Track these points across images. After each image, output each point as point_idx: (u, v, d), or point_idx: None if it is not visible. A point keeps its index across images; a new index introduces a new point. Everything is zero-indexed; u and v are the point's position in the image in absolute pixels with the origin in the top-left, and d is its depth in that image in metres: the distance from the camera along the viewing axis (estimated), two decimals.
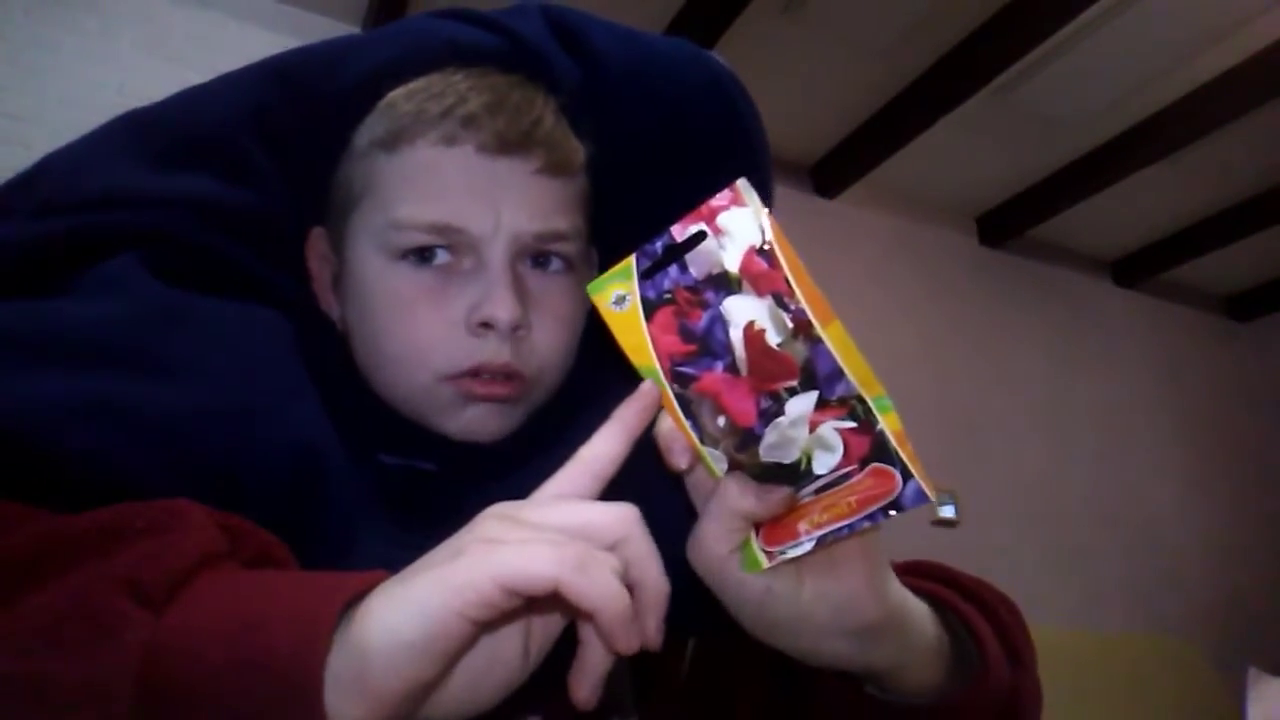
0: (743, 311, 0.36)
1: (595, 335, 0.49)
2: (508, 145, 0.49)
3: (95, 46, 2.32)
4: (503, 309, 0.47)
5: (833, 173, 3.20)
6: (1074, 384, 3.58)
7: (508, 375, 0.49)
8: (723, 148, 0.56)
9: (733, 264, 0.36)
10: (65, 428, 0.39)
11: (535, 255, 0.51)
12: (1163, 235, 3.68)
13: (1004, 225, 3.53)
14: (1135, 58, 2.64)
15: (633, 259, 0.37)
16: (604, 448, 0.38)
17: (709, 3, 2.41)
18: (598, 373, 0.49)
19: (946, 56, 2.66)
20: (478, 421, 0.49)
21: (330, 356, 0.51)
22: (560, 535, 0.34)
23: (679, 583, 0.38)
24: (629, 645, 0.33)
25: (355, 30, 2.63)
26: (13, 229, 0.47)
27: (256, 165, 0.51)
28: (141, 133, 0.52)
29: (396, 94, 0.51)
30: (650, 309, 0.37)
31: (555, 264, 0.52)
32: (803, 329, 0.35)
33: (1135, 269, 3.85)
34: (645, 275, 0.37)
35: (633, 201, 0.55)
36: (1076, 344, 3.66)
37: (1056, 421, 3.48)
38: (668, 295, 0.37)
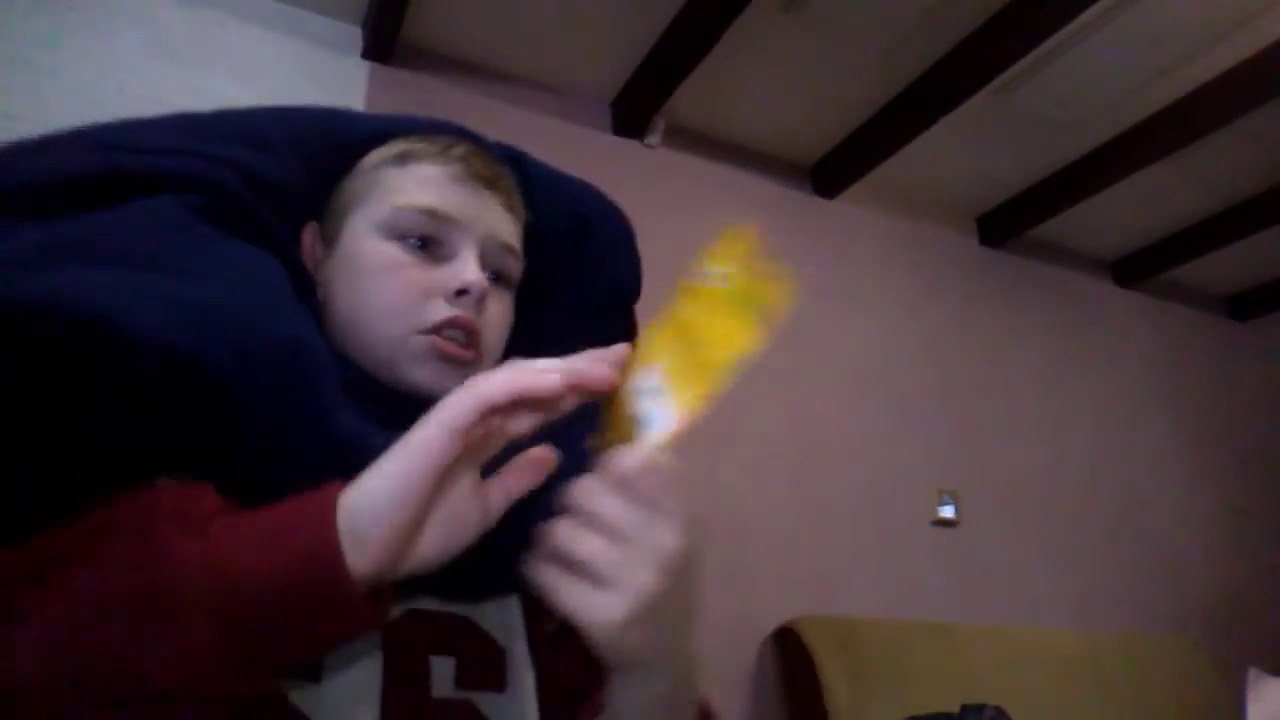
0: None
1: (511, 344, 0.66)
2: (486, 181, 0.65)
3: (95, 46, 2.32)
4: (475, 276, 0.61)
5: (833, 173, 3.20)
6: (1074, 384, 3.59)
7: (470, 333, 0.61)
8: (610, 237, 0.78)
9: None
10: (116, 305, 0.47)
11: (494, 268, 0.65)
12: (1163, 235, 3.68)
13: (1004, 225, 3.53)
14: (1135, 58, 2.64)
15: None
16: (539, 371, 0.46)
17: (709, 3, 2.41)
18: None
19: (946, 56, 2.66)
20: (436, 376, 0.60)
21: (315, 315, 0.61)
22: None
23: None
24: (601, 374, 0.46)
25: (355, 29, 2.64)
26: (67, 157, 0.56)
27: (284, 155, 0.64)
28: (196, 120, 0.64)
29: (400, 139, 0.68)
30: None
31: (502, 281, 0.67)
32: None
33: (1135, 269, 3.85)
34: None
35: (543, 266, 0.71)
36: (1077, 344, 3.67)
37: (1056, 421, 3.48)
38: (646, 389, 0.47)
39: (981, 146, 3.12)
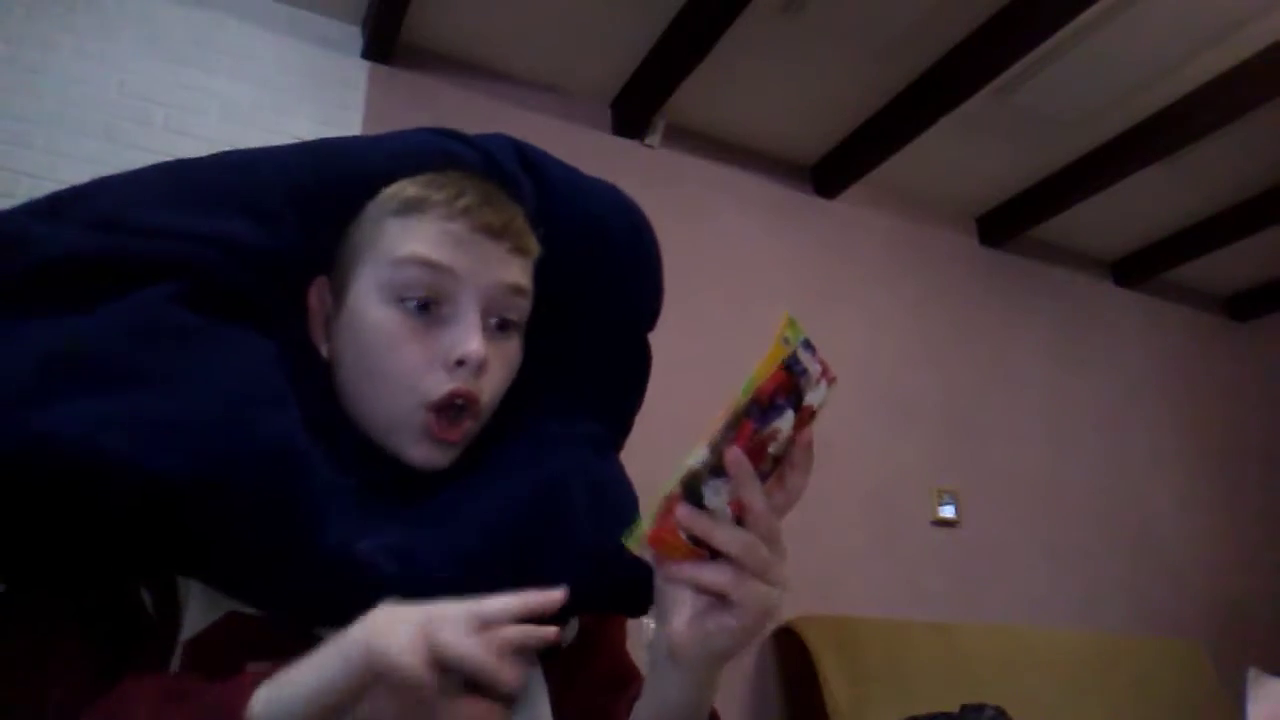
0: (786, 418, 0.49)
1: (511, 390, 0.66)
2: (492, 230, 0.64)
3: (95, 46, 2.32)
4: (474, 347, 0.61)
5: (833, 173, 3.20)
6: (1074, 384, 3.59)
7: (470, 401, 0.62)
8: (630, 258, 0.76)
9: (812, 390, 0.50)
10: (108, 441, 0.49)
11: (499, 318, 0.65)
12: (1163, 235, 3.69)
13: (1004, 225, 3.53)
14: (1135, 58, 2.64)
15: (801, 327, 0.48)
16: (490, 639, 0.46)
17: (709, 3, 2.41)
18: (508, 416, 0.66)
19: (946, 56, 2.66)
20: (430, 455, 0.62)
21: (315, 383, 0.63)
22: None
23: (583, 572, 0.57)
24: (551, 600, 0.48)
25: (354, 29, 2.64)
26: (72, 234, 0.57)
27: (281, 218, 0.63)
28: (190, 181, 0.64)
29: (406, 181, 0.66)
30: (788, 374, 0.47)
31: (509, 328, 0.66)
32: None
33: (1135, 269, 3.85)
34: (806, 345, 0.48)
35: (557, 283, 0.70)
36: (1077, 344, 3.67)
37: (1057, 421, 3.48)
38: (801, 369, 0.48)
39: (982, 146, 3.12)
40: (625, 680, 0.68)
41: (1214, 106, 2.76)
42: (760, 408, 0.47)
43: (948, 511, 3.08)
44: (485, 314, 0.64)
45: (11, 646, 0.53)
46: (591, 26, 2.63)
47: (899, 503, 3.00)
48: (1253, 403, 4.01)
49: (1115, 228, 3.63)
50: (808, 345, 0.47)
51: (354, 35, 2.64)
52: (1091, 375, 3.65)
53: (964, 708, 2.19)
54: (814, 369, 0.48)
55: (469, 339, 0.61)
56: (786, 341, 0.46)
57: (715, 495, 0.48)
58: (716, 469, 0.47)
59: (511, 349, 0.67)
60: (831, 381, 0.50)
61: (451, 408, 0.62)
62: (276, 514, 0.53)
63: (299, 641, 0.50)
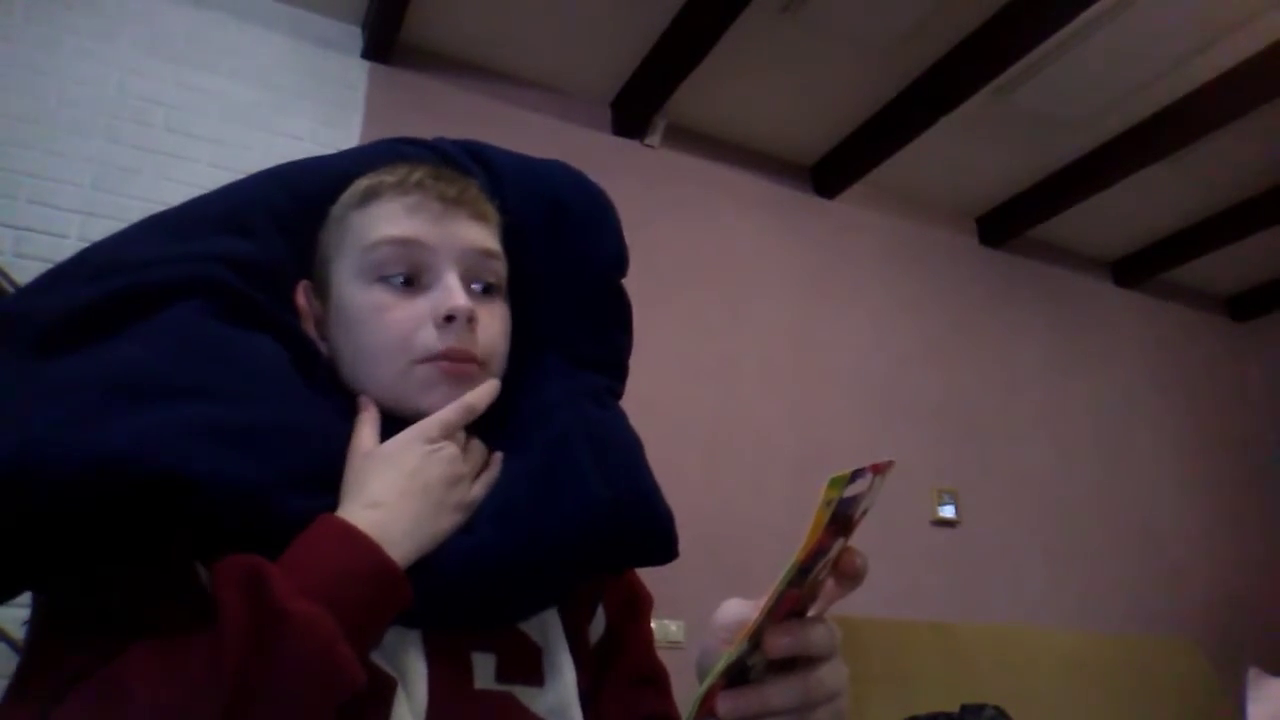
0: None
1: (514, 350, 0.69)
2: (447, 200, 0.66)
3: (95, 46, 2.32)
4: (460, 300, 0.62)
5: (833, 173, 3.20)
6: (1074, 384, 3.59)
7: (468, 358, 0.63)
8: (585, 213, 0.77)
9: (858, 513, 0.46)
10: (180, 448, 0.51)
11: (479, 282, 0.67)
12: (1163, 235, 3.69)
13: (1004, 225, 3.53)
14: (1135, 58, 2.64)
15: (848, 474, 0.43)
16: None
17: (709, 3, 2.41)
18: (518, 376, 0.69)
19: (946, 56, 2.66)
20: (446, 398, 0.62)
21: (320, 375, 0.65)
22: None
23: (599, 526, 0.59)
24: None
25: (354, 30, 2.64)
26: (74, 289, 0.58)
27: (268, 233, 0.67)
28: (172, 219, 0.66)
29: (360, 179, 0.69)
30: (833, 519, 0.44)
31: (491, 290, 0.68)
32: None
33: (1135, 269, 3.85)
34: (853, 477, 0.44)
35: (528, 260, 0.73)
36: (1076, 344, 3.67)
37: (1056, 421, 3.48)
38: (848, 505, 0.44)
39: (981, 147, 3.12)
40: (652, 678, 0.69)
41: (1213, 106, 2.76)
42: (804, 567, 0.44)
43: (948, 511, 3.08)
44: (464, 280, 0.65)
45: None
46: (591, 27, 2.63)
47: (899, 502, 3.00)
48: (1252, 402, 4.01)
49: (1115, 228, 3.63)
50: (856, 475, 0.43)
51: (354, 35, 2.64)
52: (1091, 375, 3.65)
53: (964, 708, 2.19)
54: (862, 488, 0.45)
55: (453, 295, 0.63)
56: (829, 504, 0.43)
57: (757, 660, 0.47)
58: (757, 646, 0.47)
59: (499, 310, 0.68)
60: (883, 470, 0.46)
61: (448, 359, 0.64)
62: (321, 483, 0.57)
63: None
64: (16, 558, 0.51)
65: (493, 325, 0.66)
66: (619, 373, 0.76)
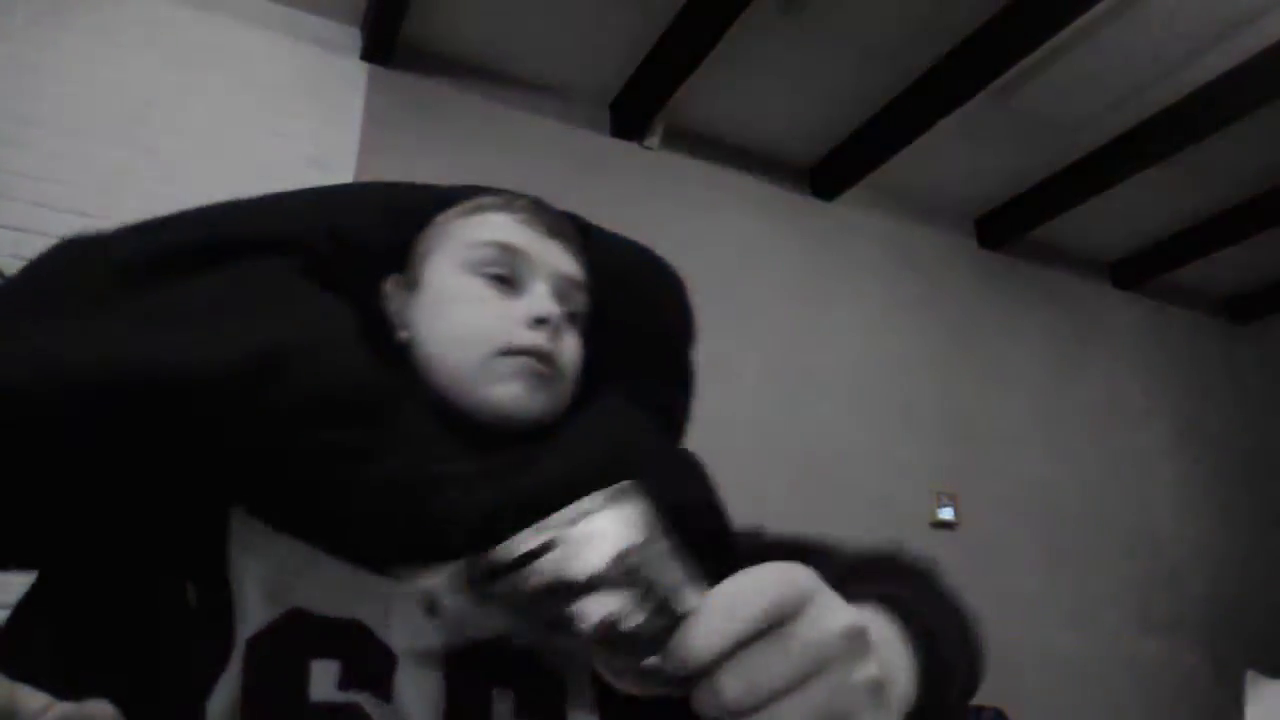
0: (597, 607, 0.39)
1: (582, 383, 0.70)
2: (549, 228, 0.71)
3: (95, 46, 2.32)
4: (551, 307, 0.66)
5: (832, 174, 3.20)
6: (1073, 386, 3.59)
7: (551, 360, 0.65)
8: (660, 287, 0.81)
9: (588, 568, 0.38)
10: (253, 365, 0.52)
11: (564, 303, 0.69)
12: (1162, 237, 3.69)
13: (1003, 227, 3.53)
14: (1135, 59, 2.64)
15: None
16: None
17: (709, 4, 2.41)
18: (584, 406, 0.69)
19: (946, 57, 2.66)
20: (517, 395, 0.64)
21: (388, 350, 0.66)
22: None
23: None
24: None
25: (353, 30, 2.64)
26: (188, 231, 0.62)
27: (369, 221, 0.72)
28: (292, 194, 0.71)
29: (464, 200, 0.73)
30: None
31: (573, 320, 0.71)
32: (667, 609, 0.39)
33: (1135, 271, 3.85)
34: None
35: (604, 313, 0.75)
36: (1076, 346, 3.67)
37: (1056, 423, 3.48)
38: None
39: (981, 148, 3.12)
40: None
41: (1214, 107, 2.76)
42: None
43: (946, 514, 3.08)
44: (554, 300, 0.68)
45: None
46: (591, 28, 2.63)
47: (898, 505, 3.00)
48: (1252, 404, 4.01)
49: (1114, 230, 3.63)
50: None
51: (353, 36, 2.64)
52: (1090, 377, 3.65)
53: None
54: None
55: (546, 301, 0.66)
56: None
57: None
58: None
59: (576, 342, 0.71)
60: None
61: (533, 356, 0.65)
62: (356, 416, 0.55)
63: (362, 640, 0.52)
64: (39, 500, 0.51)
65: (571, 348, 0.69)
66: (674, 425, 0.77)
